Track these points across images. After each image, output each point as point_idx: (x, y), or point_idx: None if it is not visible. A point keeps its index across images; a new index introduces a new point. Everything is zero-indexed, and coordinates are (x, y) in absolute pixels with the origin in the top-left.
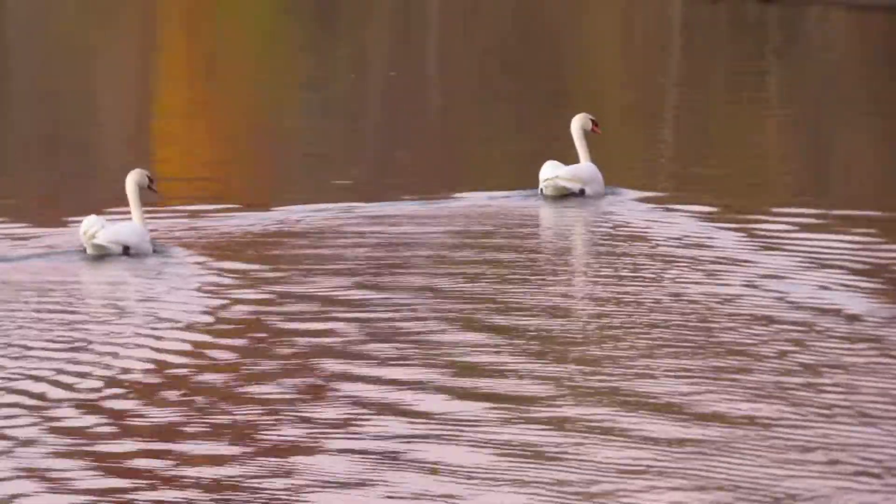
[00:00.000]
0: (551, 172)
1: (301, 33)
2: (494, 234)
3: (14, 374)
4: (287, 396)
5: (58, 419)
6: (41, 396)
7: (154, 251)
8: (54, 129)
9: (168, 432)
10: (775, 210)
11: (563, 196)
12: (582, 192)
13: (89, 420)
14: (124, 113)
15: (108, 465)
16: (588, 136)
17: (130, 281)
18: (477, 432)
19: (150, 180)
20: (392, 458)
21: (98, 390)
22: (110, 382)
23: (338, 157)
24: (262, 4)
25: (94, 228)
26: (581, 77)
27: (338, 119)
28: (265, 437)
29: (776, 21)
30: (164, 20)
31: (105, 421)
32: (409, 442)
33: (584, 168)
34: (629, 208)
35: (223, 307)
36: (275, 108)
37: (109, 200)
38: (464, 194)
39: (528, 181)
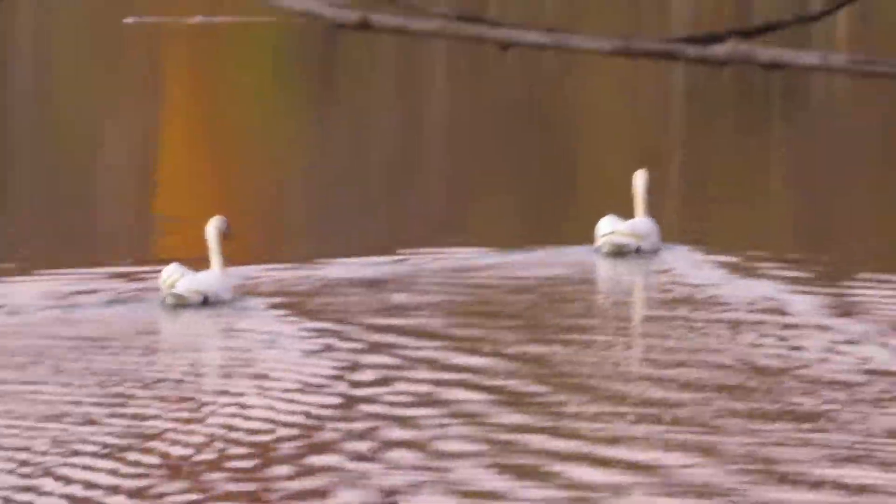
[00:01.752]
0: (608, 228)
1: (302, 103)
2: (545, 296)
3: (111, 436)
4: (352, 465)
5: (148, 488)
6: (137, 463)
7: (232, 300)
8: (62, 187)
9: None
10: (844, 273)
11: (622, 253)
12: (638, 250)
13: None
14: (129, 174)
15: None
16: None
17: (214, 333)
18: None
19: (227, 227)
20: None
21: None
22: (202, 447)
23: (363, 216)
24: (263, 70)
25: (173, 277)
26: (589, 139)
27: (354, 182)
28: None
29: (781, 88)
30: (168, 83)
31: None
32: None
33: (641, 223)
34: (690, 267)
35: (307, 362)
36: (281, 171)
37: (132, 257)
38: (507, 251)
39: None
